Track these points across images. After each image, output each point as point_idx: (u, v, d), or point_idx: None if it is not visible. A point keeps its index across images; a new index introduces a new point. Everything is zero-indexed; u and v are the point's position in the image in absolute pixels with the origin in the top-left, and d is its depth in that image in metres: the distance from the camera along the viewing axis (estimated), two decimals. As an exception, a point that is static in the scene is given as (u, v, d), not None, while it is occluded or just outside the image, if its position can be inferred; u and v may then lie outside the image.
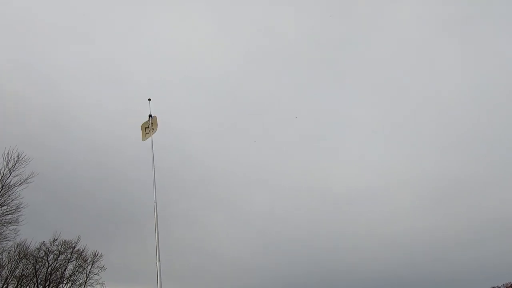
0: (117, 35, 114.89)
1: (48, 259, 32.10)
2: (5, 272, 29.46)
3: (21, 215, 24.02)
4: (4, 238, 24.64)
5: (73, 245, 33.73)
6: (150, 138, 10.43)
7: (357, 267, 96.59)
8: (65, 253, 33.24)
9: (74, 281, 32.90)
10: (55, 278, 31.92)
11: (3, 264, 29.62)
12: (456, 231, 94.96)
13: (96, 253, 34.68)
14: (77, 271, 33.21)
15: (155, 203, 7.76)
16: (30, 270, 31.11)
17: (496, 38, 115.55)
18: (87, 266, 33.76)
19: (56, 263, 32.46)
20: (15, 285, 30.05)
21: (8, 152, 23.10)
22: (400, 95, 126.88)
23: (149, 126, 10.69)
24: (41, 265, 31.63)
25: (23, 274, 30.60)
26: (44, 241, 32.75)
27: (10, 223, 23.88)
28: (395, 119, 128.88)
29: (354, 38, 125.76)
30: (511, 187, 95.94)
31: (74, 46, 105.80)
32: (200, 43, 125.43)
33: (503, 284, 67.71)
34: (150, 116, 10.94)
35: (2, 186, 22.96)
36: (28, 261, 31.20)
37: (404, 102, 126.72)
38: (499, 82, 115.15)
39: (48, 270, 31.66)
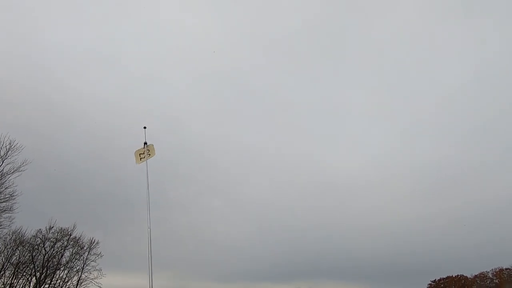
0: (116, 24, 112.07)
1: (45, 246, 32.26)
2: (1, 259, 29.58)
3: (15, 203, 23.94)
4: (-1, 226, 24.60)
5: (69, 233, 33.90)
6: (145, 162, 10.30)
7: (355, 255, 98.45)
8: (62, 241, 33.41)
9: (71, 268, 33.20)
10: (52, 265, 32.14)
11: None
12: (452, 218, 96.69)
13: (93, 240, 34.93)
14: (74, 258, 33.46)
15: (148, 222, 7.82)
16: (27, 257, 31.26)
17: (497, 26, 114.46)
18: (83, 253, 34.04)
19: (53, 250, 32.64)
20: (12, 271, 30.23)
21: (-1, 140, 22.71)
22: (399, 83, 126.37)
23: (144, 152, 10.57)
24: (38, 252, 31.79)
25: (20, 261, 30.75)
26: (40, 229, 32.87)
27: (5, 211, 23.81)
28: (394, 106, 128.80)
29: (353, 26, 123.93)
30: (508, 176, 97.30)
31: (70, 34, 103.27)
32: (198, 32, 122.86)
33: (492, 269, 69.77)
34: (145, 143, 10.74)
35: (-6, 174, 22.70)
36: (24, 249, 31.30)
37: (402, 89, 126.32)
38: (500, 70, 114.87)
39: (45, 257, 31.85)
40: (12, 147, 23.16)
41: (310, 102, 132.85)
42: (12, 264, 30.23)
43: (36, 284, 30.58)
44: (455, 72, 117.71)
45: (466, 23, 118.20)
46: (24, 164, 23.55)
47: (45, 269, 31.58)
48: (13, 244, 30.60)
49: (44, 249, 32.13)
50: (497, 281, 67.60)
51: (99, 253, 34.40)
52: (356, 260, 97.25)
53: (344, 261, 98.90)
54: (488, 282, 69.15)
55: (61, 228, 33.75)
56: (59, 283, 32.18)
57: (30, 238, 31.90)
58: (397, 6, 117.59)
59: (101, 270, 33.57)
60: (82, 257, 33.82)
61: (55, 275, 32.28)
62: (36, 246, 31.81)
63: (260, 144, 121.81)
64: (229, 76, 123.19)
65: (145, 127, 11.05)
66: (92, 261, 33.85)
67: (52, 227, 33.13)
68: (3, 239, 29.60)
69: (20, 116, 71.54)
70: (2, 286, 29.11)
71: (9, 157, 23.09)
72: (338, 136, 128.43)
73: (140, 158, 10.51)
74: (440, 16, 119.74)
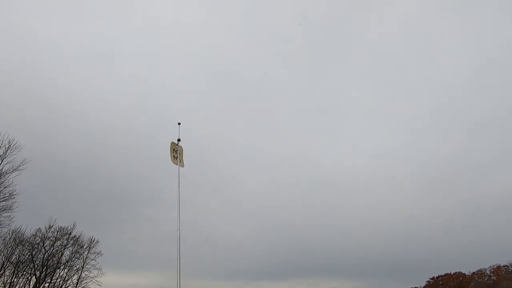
0: (110, 22, 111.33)
1: (45, 245, 32.21)
2: (1, 258, 29.54)
3: (14, 202, 23.88)
4: (-2, 225, 24.55)
5: (69, 232, 33.87)
6: (177, 166, 10.52)
7: (353, 252, 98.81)
8: (61, 240, 33.38)
9: (71, 267, 33.20)
10: (52, 264, 32.12)
11: (-1, 250, 29.65)
12: (450, 216, 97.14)
13: (92, 239, 34.92)
14: (73, 257, 33.46)
15: (178, 231, 7.55)
16: (27, 256, 31.22)
17: (495, 21, 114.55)
18: (83, 252, 34.04)
19: (53, 249, 32.61)
20: (12, 270, 30.19)
21: (-1, 139, 22.59)
22: (398, 77, 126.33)
23: (177, 150, 10.84)
24: (38, 251, 31.75)
25: (20, 260, 30.71)
26: (40, 228, 32.83)
27: (4, 210, 23.76)
28: (392, 104, 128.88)
29: (351, 22, 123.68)
30: (507, 174, 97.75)
31: (65, 33, 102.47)
32: (196, 25, 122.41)
33: (490, 266, 70.21)
34: (178, 140, 11.21)
35: (-6, 173, 22.62)
36: (24, 248, 31.26)
37: (401, 84, 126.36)
38: (498, 65, 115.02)
39: (45, 256, 31.81)
40: (11, 146, 23.08)
41: (308, 100, 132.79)
42: (12, 263, 30.20)
43: (36, 283, 30.56)
44: (454, 70, 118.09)
45: (465, 20, 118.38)
46: (24, 163, 23.51)
47: (45, 268, 31.56)
48: (12, 243, 30.56)
49: (44, 248, 32.10)
50: (494, 278, 68.02)
51: (98, 251, 34.47)
52: (355, 258, 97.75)
53: (341, 259, 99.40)
54: (486, 279, 69.55)
55: (61, 227, 33.74)
56: (59, 282, 32.20)
57: (30, 237, 31.90)
58: (396, 1, 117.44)
59: (101, 269, 33.65)
60: (82, 256, 33.89)
61: (55, 274, 32.28)
62: (35, 245, 31.77)
63: (257, 142, 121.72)
64: (226, 75, 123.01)
65: (179, 123, 11.41)
66: (92, 259, 33.94)
67: (52, 226, 33.12)
68: (3, 238, 29.62)
69: (18, 116, 71.23)
70: (2, 285, 29.09)
71: (8, 156, 23.02)
72: (336, 134, 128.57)
73: (174, 157, 10.69)
74: (439, 12, 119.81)
